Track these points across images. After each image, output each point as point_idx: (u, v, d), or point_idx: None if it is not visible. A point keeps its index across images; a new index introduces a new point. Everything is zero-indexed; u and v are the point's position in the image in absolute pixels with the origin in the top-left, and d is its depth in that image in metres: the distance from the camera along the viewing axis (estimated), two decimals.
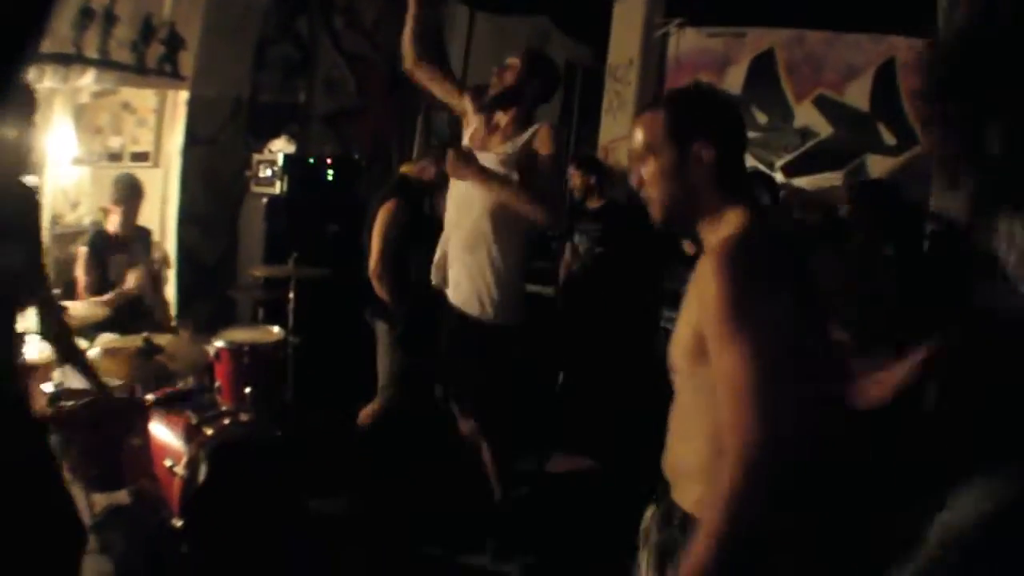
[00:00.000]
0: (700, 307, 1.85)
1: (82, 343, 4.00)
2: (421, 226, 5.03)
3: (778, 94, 7.80)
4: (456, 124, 7.47)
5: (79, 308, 4.51)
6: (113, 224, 5.18)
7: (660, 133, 2.05)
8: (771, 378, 1.74)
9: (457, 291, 4.16)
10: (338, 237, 6.37)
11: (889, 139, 7.30)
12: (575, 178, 6.67)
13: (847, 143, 7.50)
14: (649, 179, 2.08)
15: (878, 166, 7.35)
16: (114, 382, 3.97)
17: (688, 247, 6.23)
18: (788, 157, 7.78)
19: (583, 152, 8.98)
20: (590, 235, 6.53)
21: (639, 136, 2.09)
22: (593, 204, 6.68)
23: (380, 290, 4.88)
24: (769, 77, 7.82)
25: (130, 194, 5.21)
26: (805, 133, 7.72)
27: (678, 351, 2.01)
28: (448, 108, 4.60)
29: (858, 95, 7.44)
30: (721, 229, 1.99)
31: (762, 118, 7.90)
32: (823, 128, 7.65)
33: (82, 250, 5.07)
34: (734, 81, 7.98)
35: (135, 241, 5.22)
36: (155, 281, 5.39)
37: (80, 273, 5.04)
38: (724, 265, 1.81)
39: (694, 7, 7.97)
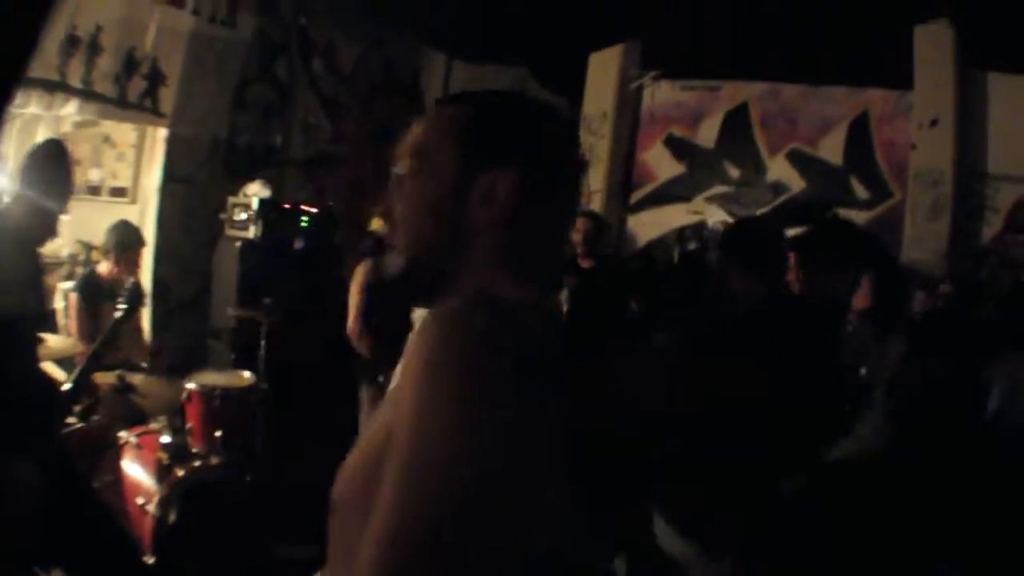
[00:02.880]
0: (398, 396, 1.17)
1: (59, 373, 4.00)
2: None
3: (751, 148, 7.90)
4: None
5: (58, 342, 4.43)
6: (106, 270, 5.12)
7: (445, 138, 1.34)
8: (449, 498, 1.03)
9: None
10: (311, 285, 6.31)
11: (862, 193, 7.40)
12: (580, 229, 6.54)
13: (820, 197, 7.57)
14: (408, 200, 1.37)
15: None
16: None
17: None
18: (760, 212, 7.83)
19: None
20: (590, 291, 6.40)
21: (413, 135, 1.39)
22: (585, 263, 6.56)
23: (361, 349, 4.84)
24: (743, 131, 7.93)
25: (132, 245, 5.16)
26: (778, 187, 7.80)
27: (348, 474, 1.26)
28: None
29: (832, 149, 7.55)
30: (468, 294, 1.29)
31: (735, 172, 7.98)
32: (796, 182, 7.73)
33: (73, 296, 4.99)
34: (707, 135, 8.09)
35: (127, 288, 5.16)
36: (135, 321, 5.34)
37: (71, 319, 4.98)
38: (453, 329, 1.14)
39: (669, 60, 8.07)
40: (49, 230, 3.11)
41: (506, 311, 1.18)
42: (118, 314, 3.69)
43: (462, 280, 1.31)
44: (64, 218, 3.19)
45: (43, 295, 3.23)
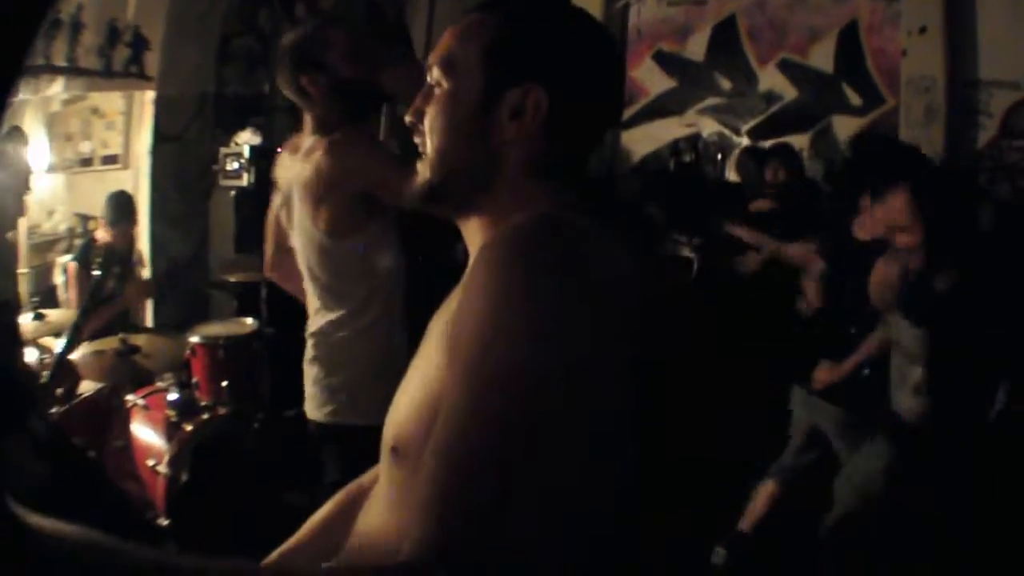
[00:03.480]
0: (452, 327, 1.06)
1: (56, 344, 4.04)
2: None
3: (741, 60, 7.86)
4: None
5: (58, 316, 4.51)
6: (103, 237, 5.17)
7: (472, 49, 1.25)
8: (519, 448, 0.92)
9: None
10: None
11: (855, 99, 7.37)
12: None
13: (813, 105, 7.57)
14: (435, 114, 1.28)
15: (845, 126, 7.42)
16: (95, 385, 4.06)
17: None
18: (754, 122, 7.84)
19: None
20: None
21: (442, 44, 1.30)
22: None
23: None
24: (731, 43, 7.87)
25: (126, 212, 5.23)
26: (770, 97, 7.78)
27: (404, 417, 1.22)
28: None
29: (822, 57, 7.50)
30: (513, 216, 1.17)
31: (726, 84, 7.95)
32: (788, 91, 7.70)
33: (72, 265, 5.03)
34: (696, 49, 8.04)
35: (126, 254, 5.23)
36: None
37: (71, 288, 5.02)
38: (523, 251, 1.03)
39: None
40: (19, 211, 3.15)
41: (579, 233, 1.10)
42: (95, 272, 3.70)
43: (492, 203, 1.27)
44: (56, 193, 3.28)
45: (15, 280, 3.28)
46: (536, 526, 0.91)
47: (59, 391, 3.58)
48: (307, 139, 2.83)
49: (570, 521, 0.95)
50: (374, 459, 1.46)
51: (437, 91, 1.28)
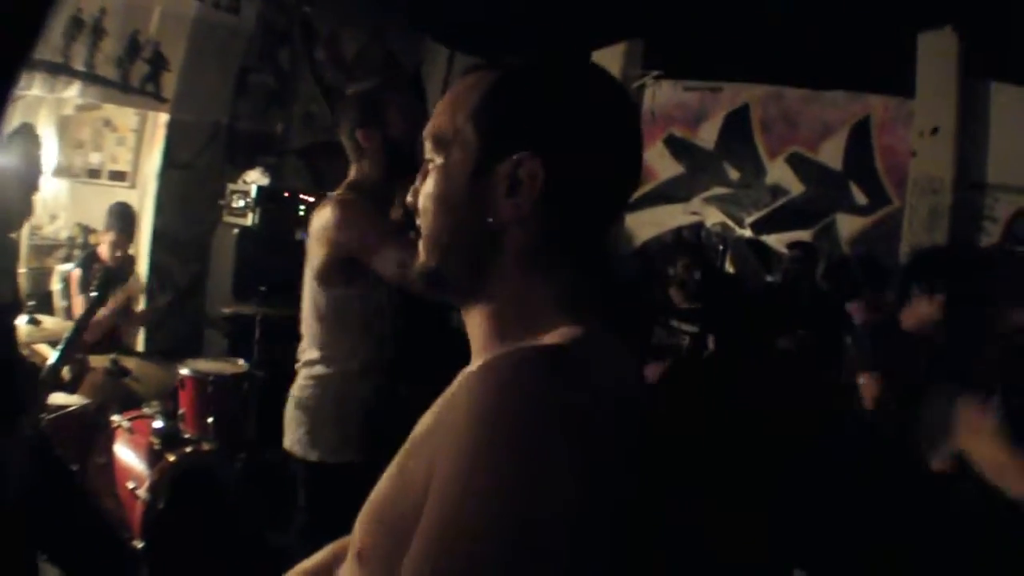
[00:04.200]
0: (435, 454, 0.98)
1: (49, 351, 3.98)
2: None
3: (751, 150, 7.92)
4: None
5: (55, 324, 4.44)
6: (104, 252, 5.16)
7: (462, 115, 1.11)
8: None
9: None
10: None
11: (860, 198, 7.41)
12: None
13: (818, 201, 7.60)
14: (425, 196, 1.15)
15: (848, 225, 7.45)
16: (81, 401, 4.00)
17: (676, 294, 6.28)
18: (758, 214, 7.87)
19: None
20: None
21: (435, 114, 1.16)
22: None
23: None
24: (743, 133, 7.94)
25: (125, 224, 5.20)
26: (776, 190, 7.81)
27: (373, 519, 1.11)
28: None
29: (832, 153, 7.57)
30: (515, 328, 1.10)
31: (734, 174, 8.00)
32: (795, 186, 7.75)
33: (74, 273, 5.01)
34: (708, 136, 8.11)
35: (124, 269, 5.18)
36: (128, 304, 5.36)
37: (73, 297, 4.99)
38: (503, 387, 0.92)
39: (671, 60, 8.06)
40: (25, 211, 3.14)
41: (568, 364, 0.96)
42: (92, 293, 3.69)
43: (493, 288, 1.11)
44: (60, 199, 3.23)
45: (16, 281, 3.24)
46: None
47: (67, 375, 3.49)
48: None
49: None
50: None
51: (431, 167, 1.15)
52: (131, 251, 5.47)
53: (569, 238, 1.10)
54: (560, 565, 0.86)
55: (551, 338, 1.03)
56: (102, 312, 4.85)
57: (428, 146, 1.15)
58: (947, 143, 6.77)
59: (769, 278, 7.42)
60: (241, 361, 5.08)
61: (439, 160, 1.12)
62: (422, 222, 1.16)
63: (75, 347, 3.38)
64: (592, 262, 1.14)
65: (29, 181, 3.06)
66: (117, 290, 4.86)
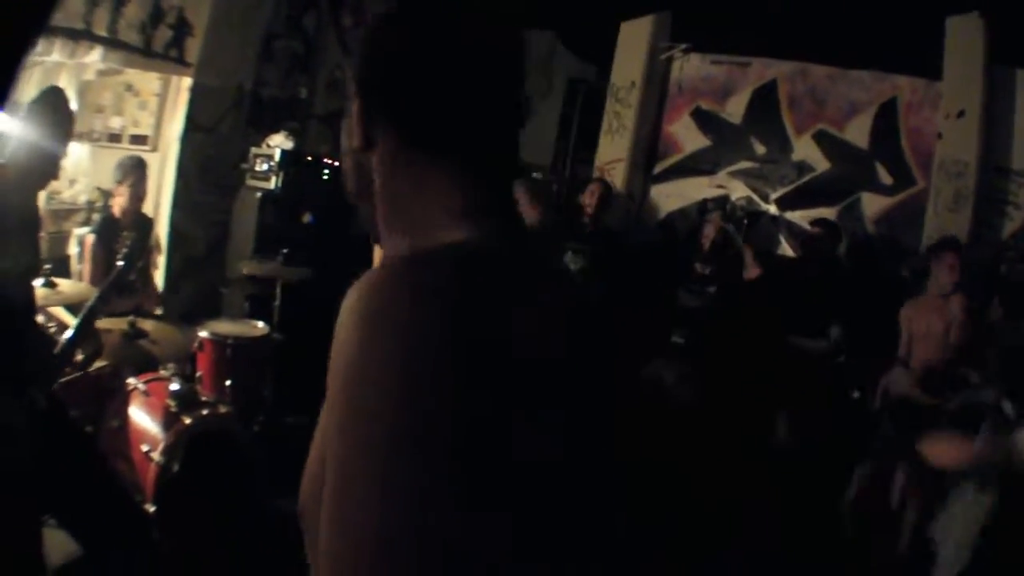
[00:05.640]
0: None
1: (69, 319, 4.00)
2: None
3: (778, 126, 7.85)
4: None
5: (71, 287, 4.45)
6: (119, 207, 5.13)
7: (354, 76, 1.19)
8: (388, 506, 0.87)
9: None
10: (329, 237, 6.33)
11: (886, 178, 7.35)
12: (595, 191, 6.67)
13: (843, 180, 7.56)
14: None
15: (872, 204, 7.40)
16: (99, 362, 3.99)
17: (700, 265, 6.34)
18: (783, 190, 7.82)
19: (581, 171, 9.03)
20: (585, 255, 6.49)
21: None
22: (586, 224, 6.67)
23: None
24: (770, 109, 7.88)
25: (136, 172, 5.16)
26: (802, 167, 7.76)
27: (305, 477, 1.10)
28: None
29: (858, 132, 7.50)
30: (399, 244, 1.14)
31: (760, 149, 7.94)
32: (820, 163, 7.70)
33: (89, 238, 5.01)
34: (735, 110, 8.04)
35: (139, 226, 5.20)
36: (146, 266, 5.36)
37: (87, 261, 4.99)
38: (364, 297, 0.95)
39: (700, 33, 8.00)
40: (51, 173, 3.14)
41: (408, 276, 0.98)
42: (119, 263, 3.69)
43: (380, 220, 1.17)
44: (82, 165, 3.24)
45: (38, 244, 3.26)
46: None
47: (80, 356, 3.51)
48: None
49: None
50: None
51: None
52: (146, 211, 5.47)
53: (418, 148, 1.12)
54: (399, 482, 0.87)
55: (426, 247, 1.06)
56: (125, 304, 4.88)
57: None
58: (973, 127, 6.72)
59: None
60: (261, 324, 5.09)
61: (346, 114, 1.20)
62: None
63: (92, 323, 3.40)
64: (469, 163, 1.13)
65: (57, 144, 3.07)
66: (140, 262, 4.85)
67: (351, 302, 0.95)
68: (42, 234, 3.53)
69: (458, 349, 0.91)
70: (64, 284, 4.25)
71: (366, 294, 0.95)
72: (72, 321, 3.92)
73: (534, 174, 9.05)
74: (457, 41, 1.14)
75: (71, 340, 3.25)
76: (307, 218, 6.43)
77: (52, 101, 3.14)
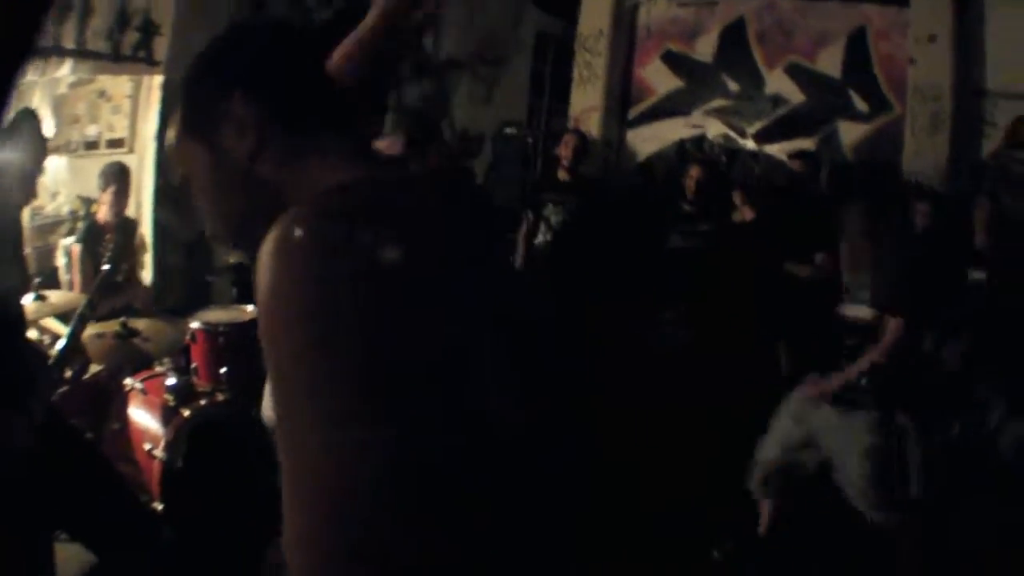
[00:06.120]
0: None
1: (62, 329, 4.02)
2: None
3: (749, 62, 7.88)
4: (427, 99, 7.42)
5: (61, 298, 4.48)
6: (103, 213, 5.15)
7: (180, 113, 1.35)
8: (334, 422, 0.97)
9: None
10: None
11: (861, 105, 7.39)
12: (569, 143, 6.69)
13: (819, 110, 7.60)
14: (199, 193, 1.33)
15: (850, 132, 7.45)
16: (94, 367, 4.08)
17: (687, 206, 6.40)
18: (760, 124, 7.86)
19: (557, 124, 9.04)
20: (565, 207, 6.53)
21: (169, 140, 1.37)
22: (563, 176, 6.71)
23: None
24: (740, 46, 7.89)
25: (118, 179, 5.19)
26: (777, 100, 7.79)
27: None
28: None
29: (830, 62, 7.53)
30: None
31: (734, 86, 7.97)
32: (795, 95, 7.73)
33: (75, 248, 5.02)
34: (705, 50, 8.05)
35: (123, 228, 5.21)
36: (132, 266, 5.38)
37: (74, 270, 5.00)
38: (277, 245, 1.03)
39: None
40: (30, 193, 3.17)
41: (333, 205, 1.10)
42: (104, 267, 3.71)
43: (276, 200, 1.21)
44: (63, 177, 3.27)
45: (23, 262, 3.29)
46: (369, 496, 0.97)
47: (68, 372, 3.56)
48: None
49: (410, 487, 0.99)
50: None
51: (189, 176, 1.34)
52: (128, 212, 5.48)
53: (298, 129, 1.26)
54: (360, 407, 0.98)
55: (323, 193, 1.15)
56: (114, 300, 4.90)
57: (177, 161, 1.38)
58: (945, 51, 6.75)
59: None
60: (250, 307, 5.10)
61: (187, 160, 1.32)
62: (209, 211, 1.34)
63: (80, 335, 3.44)
64: (337, 126, 1.31)
65: (33, 165, 3.10)
66: (125, 264, 4.87)
67: (268, 246, 1.04)
68: (28, 250, 3.56)
69: (360, 261, 1.02)
70: (54, 295, 4.28)
71: (277, 234, 1.04)
72: (64, 331, 3.97)
73: (507, 129, 9.08)
74: (293, 35, 1.37)
75: (64, 350, 3.30)
76: None
77: (25, 124, 3.17)
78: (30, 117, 3.25)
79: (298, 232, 1.02)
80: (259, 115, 1.24)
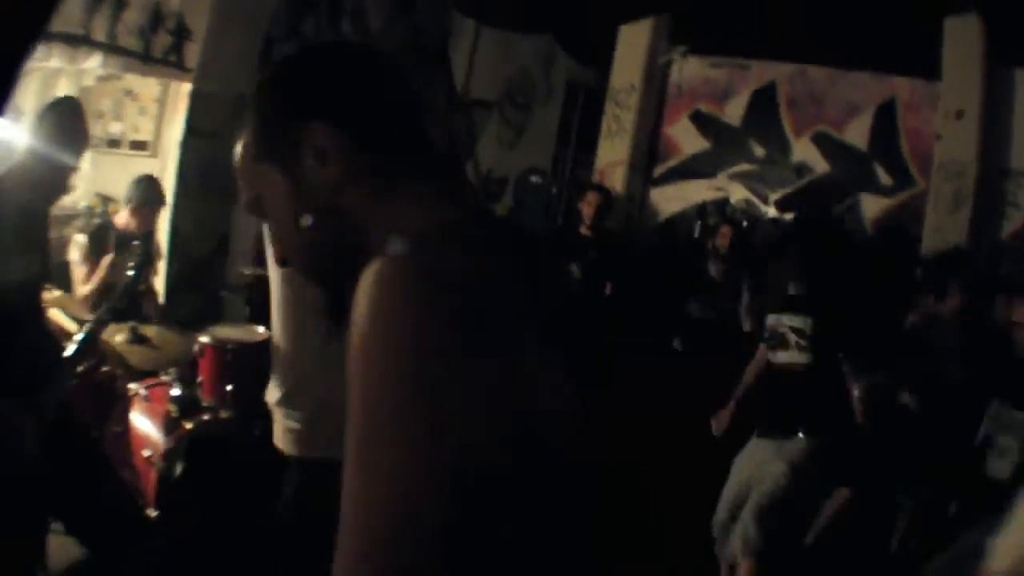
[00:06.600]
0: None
1: (70, 324, 3.99)
2: None
3: (777, 128, 7.88)
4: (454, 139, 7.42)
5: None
6: (124, 221, 5.08)
7: (253, 137, 1.25)
8: (412, 452, 0.95)
9: None
10: None
11: (885, 179, 7.38)
12: (592, 202, 6.68)
13: (843, 181, 7.57)
14: (273, 222, 1.28)
15: (872, 205, 7.41)
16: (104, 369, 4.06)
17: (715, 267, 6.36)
18: (783, 192, 7.84)
19: (581, 174, 9.06)
20: (587, 262, 6.48)
21: (238, 158, 1.29)
22: (584, 232, 6.68)
23: None
24: (769, 110, 7.90)
25: (154, 200, 5.14)
26: (801, 169, 7.78)
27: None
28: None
29: (857, 133, 7.53)
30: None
31: (760, 151, 7.97)
32: (820, 165, 7.72)
33: (82, 240, 4.95)
34: (734, 112, 8.07)
35: (145, 237, 5.11)
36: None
37: (77, 264, 4.92)
38: (384, 278, 1.01)
39: (699, 36, 8.02)
40: (62, 186, 3.07)
41: (426, 246, 1.08)
42: (128, 273, 3.67)
43: (369, 251, 1.13)
44: (82, 171, 3.20)
45: (48, 255, 3.23)
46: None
47: (81, 368, 3.52)
48: None
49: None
50: None
51: (261, 203, 1.27)
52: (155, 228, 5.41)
53: (387, 162, 1.20)
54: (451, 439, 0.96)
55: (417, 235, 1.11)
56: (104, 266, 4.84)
57: (246, 186, 1.27)
58: (972, 127, 6.75)
59: None
60: (262, 328, 5.07)
61: (257, 180, 1.24)
62: (282, 245, 1.29)
63: (97, 337, 3.40)
64: (429, 162, 1.24)
65: (70, 156, 3.01)
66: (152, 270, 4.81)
67: (366, 284, 1.01)
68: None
69: (463, 312, 1.00)
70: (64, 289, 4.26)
71: (378, 277, 1.01)
72: (71, 325, 3.94)
73: (533, 178, 9.07)
74: (377, 60, 1.28)
75: (79, 349, 3.25)
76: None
77: (67, 110, 3.09)
78: (72, 106, 3.17)
79: (408, 269, 1.02)
80: (343, 146, 1.18)
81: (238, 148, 1.27)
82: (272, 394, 2.85)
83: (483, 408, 1.00)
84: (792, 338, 4.18)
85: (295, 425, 2.69)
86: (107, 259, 4.84)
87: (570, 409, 1.25)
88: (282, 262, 1.32)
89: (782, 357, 4.21)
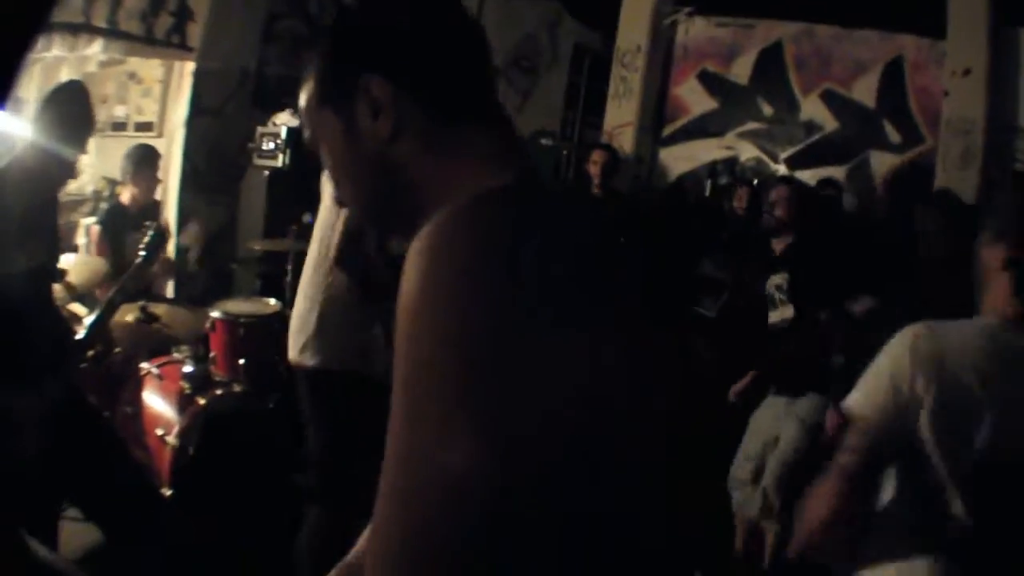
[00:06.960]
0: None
1: (81, 310, 4.02)
2: None
3: (785, 87, 7.85)
4: None
5: (79, 278, 4.44)
6: (129, 196, 5.08)
7: (316, 80, 1.22)
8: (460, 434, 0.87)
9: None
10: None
11: (894, 136, 7.34)
12: (597, 160, 6.64)
13: (852, 139, 7.54)
14: (330, 164, 1.25)
15: (881, 162, 7.39)
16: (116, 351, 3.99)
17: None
18: (792, 150, 7.83)
19: (589, 136, 9.03)
20: None
21: (302, 103, 1.27)
22: (595, 192, 6.67)
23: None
24: (776, 69, 7.87)
25: (146, 163, 5.11)
26: (810, 126, 7.75)
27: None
28: None
29: (865, 91, 7.48)
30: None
31: (768, 110, 7.94)
32: (828, 122, 7.70)
33: (95, 228, 4.96)
34: (741, 72, 8.03)
35: (153, 214, 5.10)
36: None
37: (93, 251, 4.94)
38: (434, 245, 0.95)
39: None
40: (68, 173, 3.07)
41: (504, 200, 1.02)
42: (139, 257, 3.66)
43: (424, 207, 1.10)
44: (88, 156, 3.19)
45: (57, 240, 3.24)
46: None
47: (91, 353, 3.55)
48: None
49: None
50: None
51: (319, 143, 1.25)
52: (158, 196, 5.44)
53: (443, 118, 1.16)
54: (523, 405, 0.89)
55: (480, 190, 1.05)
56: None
57: (307, 127, 1.25)
58: (979, 85, 6.71)
59: None
60: (273, 301, 5.08)
61: (317, 126, 1.22)
62: (342, 188, 1.25)
63: (108, 320, 3.41)
64: (487, 120, 1.20)
65: (76, 142, 3.01)
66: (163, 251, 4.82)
67: (420, 245, 0.96)
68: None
69: (525, 275, 0.92)
70: (72, 275, 4.26)
71: (434, 233, 0.96)
72: (84, 314, 3.95)
73: (543, 140, 9.07)
74: (449, 11, 1.22)
75: (90, 330, 3.27)
76: (307, 218, 6.45)
77: (72, 96, 3.08)
78: (77, 90, 3.16)
79: (460, 235, 0.95)
80: (397, 99, 1.14)
81: (304, 88, 1.24)
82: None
83: (542, 392, 0.91)
84: (776, 296, 4.27)
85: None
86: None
87: (671, 396, 1.18)
88: (339, 203, 1.31)
89: (773, 317, 4.29)
